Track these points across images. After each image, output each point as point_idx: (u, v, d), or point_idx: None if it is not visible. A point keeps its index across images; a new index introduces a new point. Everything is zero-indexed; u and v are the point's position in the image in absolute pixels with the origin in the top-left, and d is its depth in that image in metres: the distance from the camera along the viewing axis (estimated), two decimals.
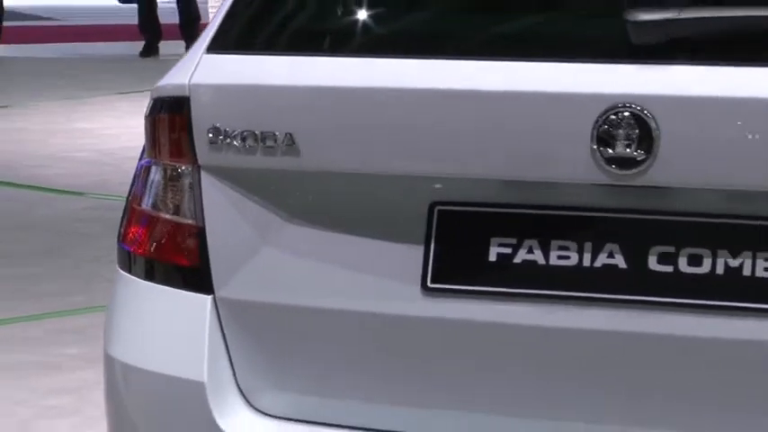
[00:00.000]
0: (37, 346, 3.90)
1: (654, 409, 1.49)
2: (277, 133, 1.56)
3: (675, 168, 1.43)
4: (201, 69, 1.65)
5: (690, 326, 1.46)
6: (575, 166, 1.45)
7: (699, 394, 1.48)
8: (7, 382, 3.55)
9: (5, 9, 13.02)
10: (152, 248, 1.73)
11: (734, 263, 1.44)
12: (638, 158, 1.42)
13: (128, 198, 1.80)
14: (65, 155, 7.25)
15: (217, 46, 1.67)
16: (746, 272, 1.44)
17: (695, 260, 1.45)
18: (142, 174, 1.76)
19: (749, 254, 1.44)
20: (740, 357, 1.45)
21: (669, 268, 1.46)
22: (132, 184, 1.79)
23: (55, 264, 4.92)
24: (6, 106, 9.10)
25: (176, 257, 1.70)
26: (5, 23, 12.88)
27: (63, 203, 6.07)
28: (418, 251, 1.54)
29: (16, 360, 3.75)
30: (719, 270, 1.45)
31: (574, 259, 1.49)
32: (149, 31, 12.33)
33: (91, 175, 6.68)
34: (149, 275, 1.74)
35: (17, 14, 15.45)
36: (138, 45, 12.35)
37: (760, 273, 1.43)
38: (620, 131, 1.42)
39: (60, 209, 5.95)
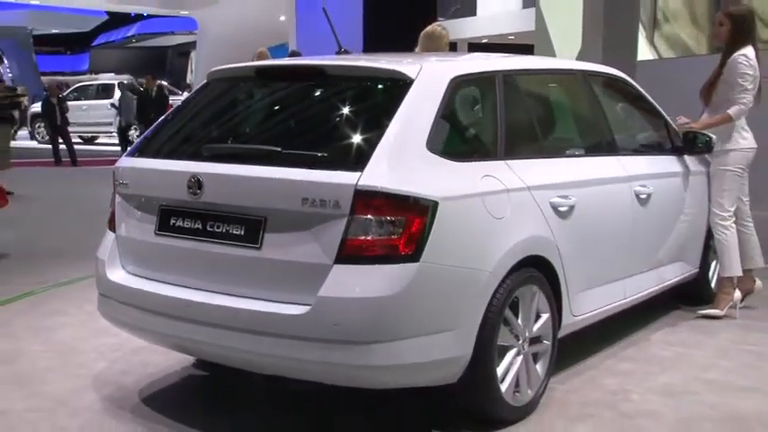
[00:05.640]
0: None
1: (212, 273, 4.49)
2: (123, 181, 4.87)
3: (211, 195, 4.43)
4: (121, 161, 5.03)
5: (216, 248, 4.43)
6: (184, 194, 4.49)
7: (223, 268, 4.46)
8: None
9: None
10: (109, 220, 5.09)
11: (229, 228, 4.40)
12: (197, 192, 4.45)
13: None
14: None
15: (129, 153, 5.04)
16: (232, 231, 4.41)
17: (219, 226, 4.44)
18: (112, 195, 5.12)
19: (236, 225, 4.38)
20: (225, 257, 4.41)
21: (214, 229, 4.46)
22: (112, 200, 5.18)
23: None
24: None
25: (110, 222, 5.05)
26: None
27: None
28: (154, 219, 4.70)
29: None
30: (225, 230, 4.41)
31: (189, 225, 4.53)
32: None
33: None
34: (110, 228, 5.09)
35: None
36: None
37: (233, 231, 4.40)
38: (193, 182, 4.46)
39: None
